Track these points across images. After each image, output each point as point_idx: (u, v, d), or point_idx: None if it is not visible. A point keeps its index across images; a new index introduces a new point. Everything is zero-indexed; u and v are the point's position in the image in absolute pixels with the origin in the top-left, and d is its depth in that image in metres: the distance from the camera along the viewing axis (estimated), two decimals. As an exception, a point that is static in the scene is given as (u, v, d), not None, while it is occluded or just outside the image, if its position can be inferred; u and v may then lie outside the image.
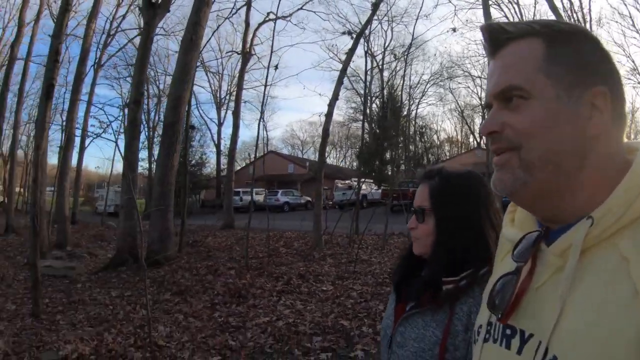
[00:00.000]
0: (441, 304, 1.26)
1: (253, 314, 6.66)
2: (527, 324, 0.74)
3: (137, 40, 29.93)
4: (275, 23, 15.07)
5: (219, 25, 24.71)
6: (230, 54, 28.10)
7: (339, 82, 12.49)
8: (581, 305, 0.66)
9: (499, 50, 0.79)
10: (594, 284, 0.66)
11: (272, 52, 12.10)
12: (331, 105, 12.18)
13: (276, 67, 11.88)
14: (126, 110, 34.95)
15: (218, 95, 42.04)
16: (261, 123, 12.93)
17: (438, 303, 1.26)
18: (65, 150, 17.20)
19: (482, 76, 38.38)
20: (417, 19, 12.08)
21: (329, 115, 12.16)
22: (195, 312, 6.89)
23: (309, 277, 8.81)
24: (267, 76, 12.08)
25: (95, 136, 26.42)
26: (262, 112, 13.77)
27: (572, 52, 0.74)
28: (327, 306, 6.92)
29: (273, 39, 14.36)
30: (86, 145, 28.99)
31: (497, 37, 0.79)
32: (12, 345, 5.75)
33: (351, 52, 13.30)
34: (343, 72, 13.07)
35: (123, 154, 10.32)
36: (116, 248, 11.80)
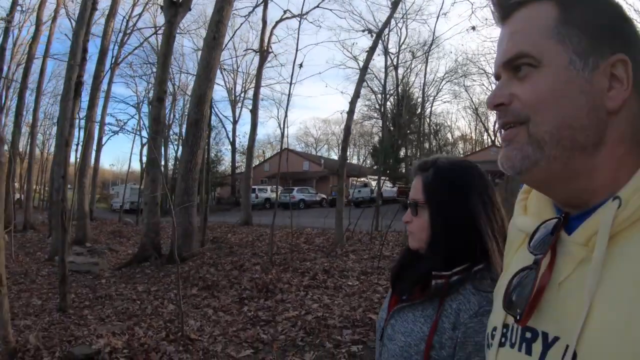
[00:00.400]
0: (430, 299, 1.23)
1: (282, 308, 6.70)
2: (550, 326, 0.66)
3: (153, 39, 30.47)
4: (300, 21, 14.98)
5: (241, 24, 24.86)
6: (247, 51, 28.09)
7: (361, 81, 12.55)
8: (612, 301, 0.58)
9: (508, 16, 0.73)
10: (626, 275, 0.58)
11: (297, 50, 12.13)
12: (353, 103, 12.24)
13: (301, 65, 11.92)
14: (142, 108, 35.64)
15: (233, 92, 42.17)
16: (286, 121, 12.94)
17: (427, 297, 1.23)
18: (84, 148, 17.39)
19: None
20: (437, 18, 12.04)
21: (350, 112, 12.21)
22: (224, 307, 6.95)
23: (334, 273, 8.84)
24: (292, 74, 12.08)
25: (113, 133, 26.64)
26: (286, 110, 13.79)
27: (588, 15, 0.68)
28: (355, 300, 6.94)
29: (298, 37, 14.42)
30: (103, 143, 29.26)
31: (506, 1, 0.72)
32: (43, 340, 5.79)
33: (372, 51, 13.29)
34: (364, 70, 13.13)
35: (147, 151, 10.40)
36: (139, 244, 11.93)
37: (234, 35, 24.88)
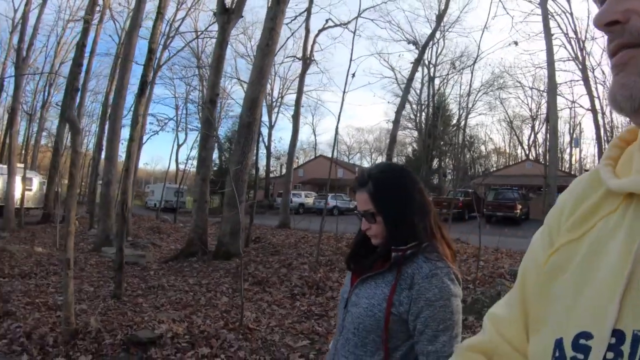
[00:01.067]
0: (390, 269, 1.49)
1: (333, 304, 6.95)
2: None
3: (193, 43, 31.17)
4: (356, 29, 15.17)
5: (293, 33, 25.23)
6: (291, 59, 28.49)
7: (406, 91, 12.83)
8: None
9: None
10: None
11: (350, 60, 12.34)
12: (398, 112, 12.52)
13: (353, 75, 12.15)
14: (180, 109, 36.42)
15: (270, 97, 42.72)
16: (337, 129, 13.17)
17: (388, 268, 1.50)
18: (130, 146, 17.94)
19: (533, 86, 37.85)
20: (482, 32, 12.21)
21: (396, 122, 12.49)
22: (277, 301, 7.22)
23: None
24: (345, 83, 12.46)
25: (153, 133, 27.32)
26: (338, 120, 14.05)
27: None
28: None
29: (353, 47, 14.57)
30: (144, 142, 29.95)
31: None
32: (103, 324, 5.99)
33: (417, 63, 13.55)
34: (409, 81, 13.42)
35: (198, 151, 10.77)
36: (187, 239, 12.32)
37: (285, 42, 25.26)
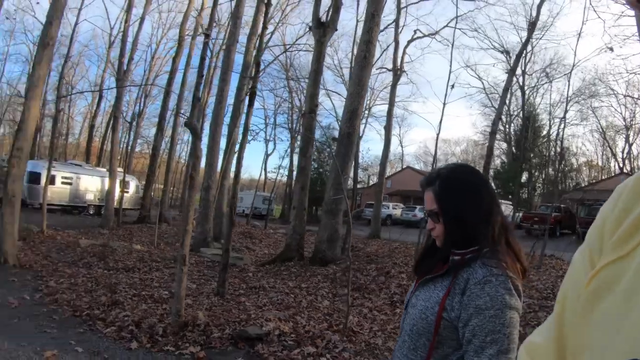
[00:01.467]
0: (448, 272, 1.48)
1: (433, 313, 7.05)
2: None
3: (282, 57, 32.20)
4: (454, 40, 15.24)
5: (388, 46, 25.51)
6: (380, 70, 28.74)
7: (502, 102, 12.78)
8: None
9: None
10: None
11: (450, 72, 12.44)
12: (495, 123, 12.43)
13: (452, 86, 12.20)
14: (270, 120, 37.69)
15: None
16: (437, 140, 13.24)
17: (446, 271, 1.49)
18: (227, 154, 18.79)
19: (627, 93, 35.48)
20: (578, 39, 11.78)
21: (492, 133, 12.38)
22: (377, 307, 7.40)
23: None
24: (445, 94, 12.44)
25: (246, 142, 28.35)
26: (439, 127, 14.08)
27: None
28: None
29: (452, 59, 14.64)
30: (236, 151, 31.20)
31: None
32: (210, 318, 6.33)
33: (512, 73, 13.36)
34: (505, 91, 13.22)
35: (298, 160, 11.18)
36: (285, 244, 12.80)
37: (381, 55, 25.56)
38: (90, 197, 27.96)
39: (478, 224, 1.49)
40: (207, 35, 7.56)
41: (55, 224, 17.17)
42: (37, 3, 25.34)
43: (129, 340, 5.55)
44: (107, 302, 7.02)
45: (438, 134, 12.75)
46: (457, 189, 1.55)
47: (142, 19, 24.51)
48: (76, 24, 23.59)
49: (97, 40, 54.48)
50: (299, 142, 41.62)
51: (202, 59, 7.68)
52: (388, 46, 27.27)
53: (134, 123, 33.93)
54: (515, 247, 1.52)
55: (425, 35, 24.69)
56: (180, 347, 5.39)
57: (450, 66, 12.01)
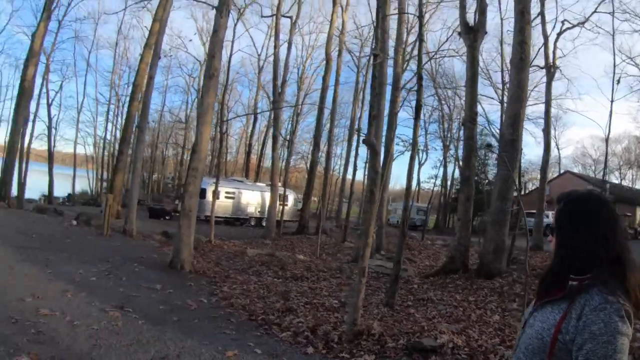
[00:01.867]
0: (566, 297, 1.53)
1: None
2: None
3: (427, 65, 32.04)
4: (615, 30, 14.10)
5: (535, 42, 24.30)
6: (534, 68, 27.44)
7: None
8: None
9: None
10: None
11: (614, 66, 11.57)
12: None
13: (619, 81, 11.42)
14: (421, 129, 37.87)
15: (501, 110, 41.09)
16: (607, 142, 12.40)
17: (564, 295, 1.53)
18: (385, 166, 19.26)
19: None
20: None
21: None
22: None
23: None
24: (612, 91, 11.56)
25: (399, 154, 28.88)
26: (609, 130, 13.19)
27: None
28: None
29: (614, 53, 13.62)
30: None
31: None
32: (384, 328, 6.43)
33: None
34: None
35: (460, 170, 11.14)
36: (448, 256, 12.79)
37: (537, 54, 24.34)
38: (251, 209, 30.58)
39: (593, 252, 1.54)
40: (375, 56, 8.04)
41: (220, 234, 18.70)
42: (190, 40, 28.78)
43: (305, 345, 5.88)
44: (281, 309, 7.49)
45: (607, 138, 11.83)
46: (573, 213, 1.64)
47: (289, 44, 26.17)
48: (231, 55, 25.82)
49: (246, 67, 60.02)
50: (451, 151, 41.11)
51: (374, 77, 8.25)
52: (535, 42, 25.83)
53: (289, 140, 36.45)
54: (630, 279, 1.52)
55: (574, 26, 23.14)
56: (355, 355, 5.57)
57: (614, 57, 11.07)
